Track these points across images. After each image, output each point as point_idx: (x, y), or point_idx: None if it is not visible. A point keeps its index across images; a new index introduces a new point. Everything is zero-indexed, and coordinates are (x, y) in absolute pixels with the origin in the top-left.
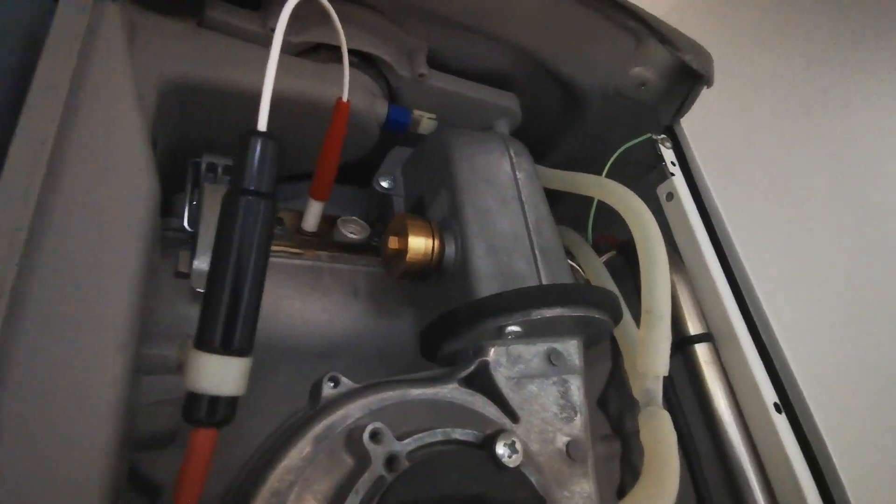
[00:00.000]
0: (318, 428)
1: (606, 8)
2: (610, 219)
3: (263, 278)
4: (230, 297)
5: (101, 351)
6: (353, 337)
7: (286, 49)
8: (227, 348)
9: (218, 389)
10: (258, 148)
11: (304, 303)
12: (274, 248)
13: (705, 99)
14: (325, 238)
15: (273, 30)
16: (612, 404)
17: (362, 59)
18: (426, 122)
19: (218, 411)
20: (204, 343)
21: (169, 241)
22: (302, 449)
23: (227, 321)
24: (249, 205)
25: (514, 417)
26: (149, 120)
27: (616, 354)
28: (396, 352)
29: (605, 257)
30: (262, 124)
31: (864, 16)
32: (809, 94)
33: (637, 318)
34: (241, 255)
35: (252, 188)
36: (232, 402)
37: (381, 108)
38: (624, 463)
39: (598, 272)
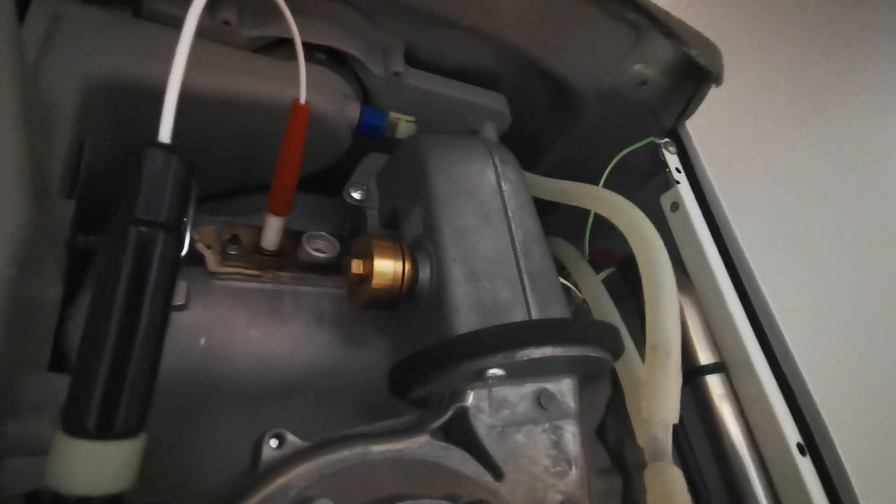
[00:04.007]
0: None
1: None
2: (609, 231)
3: (163, 334)
4: (112, 362)
5: None
6: (318, 370)
7: (241, 44)
8: (105, 431)
9: (91, 487)
10: (157, 165)
11: (260, 333)
12: (228, 269)
13: (713, 98)
14: (289, 257)
15: (226, 21)
16: (612, 434)
17: (331, 57)
18: (404, 125)
19: None
20: (73, 425)
21: None
22: None
23: (107, 394)
24: (143, 239)
25: (497, 474)
26: (70, 122)
27: (617, 378)
28: (368, 386)
29: (602, 274)
30: (165, 135)
31: (872, 7)
32: (824, 90)
33: (638, 342)
34: (130, 306)
35: (147, 218)
36: (112, 501)
37: (353, 111)
38: (625, 500)
39: (595, 292)
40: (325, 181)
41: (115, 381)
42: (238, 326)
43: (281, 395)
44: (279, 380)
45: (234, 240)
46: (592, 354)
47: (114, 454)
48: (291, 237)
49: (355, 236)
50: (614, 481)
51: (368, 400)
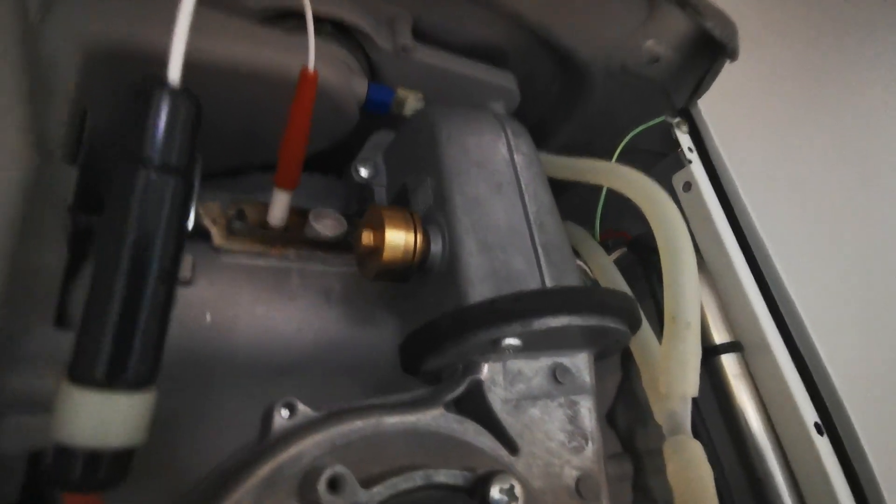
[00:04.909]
0: (264, 472)
1: None
2: (619, 212)
3: (174, 283)
4: (123, 308)
5: None
6: (326, 348)
7: (248, 15)
8: (115, 380)
9: (100, 439)
10: (166, 106)
11: (267, 309)
12: (233, 245)
13: (725, 77)
14: (295, 234)
15: None
16: (622, 419)
17: (337, 30)
18: (412, 102)
19: (99, 471)
20: (81, 374)
21: None
22: (241, 501)
23: (117, 342)
24: (152, 182)
25: (512, 448)
26: (72, 86)
27: (627, 362)
28: (377, 365)
29: (614, 255)
30: (174, 75)
31: None
32: (842, 68)
33: (652, 325)
34: (140, 250)
35: (156, 160)
36: (122, 456)
37: (360, 86)
38: (636, 486)
39: (608, 272)
40: (331, 164)
41: (125, 328)
42: (244, 303)
43: (288, 372)
44: (286, 357)
45: (240, 215)
46: (611, 325)
47: (124, 406)
48: (298, 215)
49: (362, 215)
50: (625, 467)
51: (378, 378)
